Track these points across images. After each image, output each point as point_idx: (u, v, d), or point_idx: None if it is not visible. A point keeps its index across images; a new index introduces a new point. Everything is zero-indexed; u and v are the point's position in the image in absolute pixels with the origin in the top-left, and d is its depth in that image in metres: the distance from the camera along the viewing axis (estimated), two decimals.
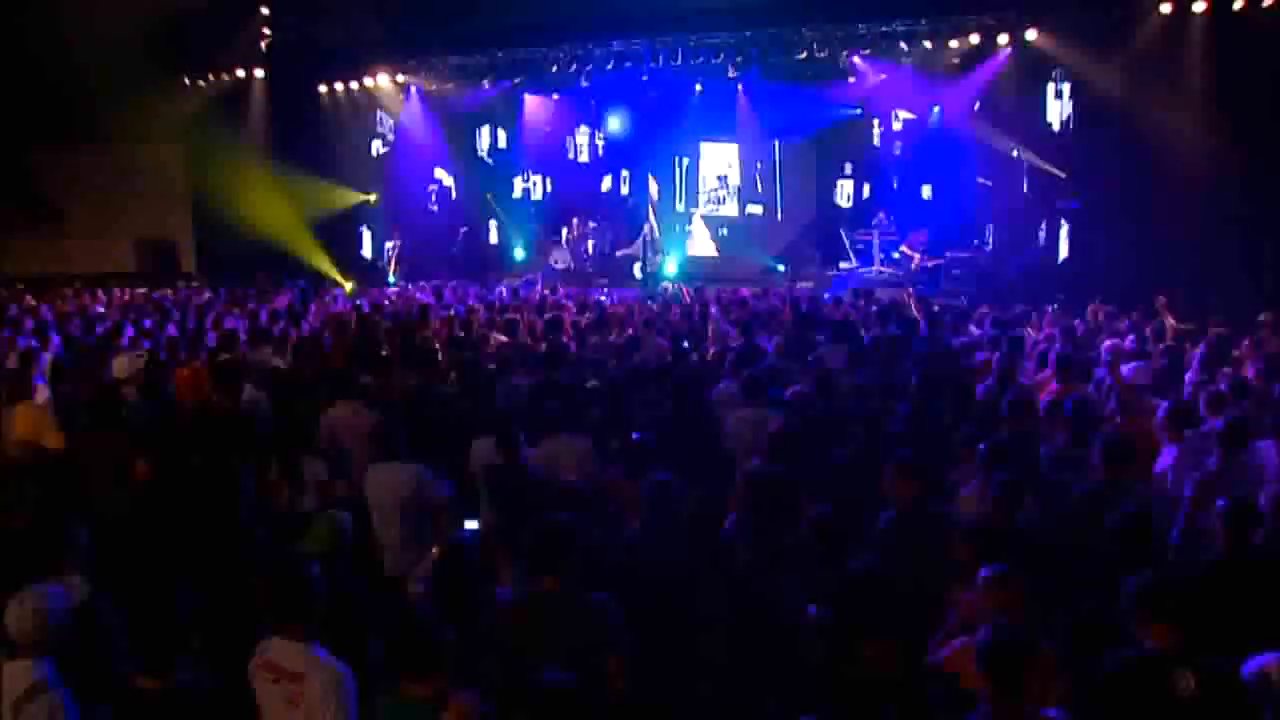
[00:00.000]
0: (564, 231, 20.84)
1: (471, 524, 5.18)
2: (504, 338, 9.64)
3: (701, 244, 20.89)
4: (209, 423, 6.17)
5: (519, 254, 20.99)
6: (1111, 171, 14.04)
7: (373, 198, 19.00)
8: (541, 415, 5.84)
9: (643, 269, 16.75)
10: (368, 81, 17.85)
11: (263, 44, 16.25)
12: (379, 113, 19.21)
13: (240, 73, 16.85)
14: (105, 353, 8.54)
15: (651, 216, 17.77)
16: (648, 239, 16.59)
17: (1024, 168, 17.05)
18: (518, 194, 21.32)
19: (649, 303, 12.49)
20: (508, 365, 7.87)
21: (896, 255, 18.13)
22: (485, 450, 5.50)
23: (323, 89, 17.82)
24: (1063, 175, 15.61)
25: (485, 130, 20.74)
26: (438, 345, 9.14)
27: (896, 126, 19.25)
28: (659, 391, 6.95)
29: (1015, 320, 10.72)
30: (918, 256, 17.48)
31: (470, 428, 5.87)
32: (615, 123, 20.50)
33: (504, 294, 13.94)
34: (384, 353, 8.44)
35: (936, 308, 11.43)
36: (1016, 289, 15.71)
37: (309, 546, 3.96)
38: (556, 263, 20.28)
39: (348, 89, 17.98)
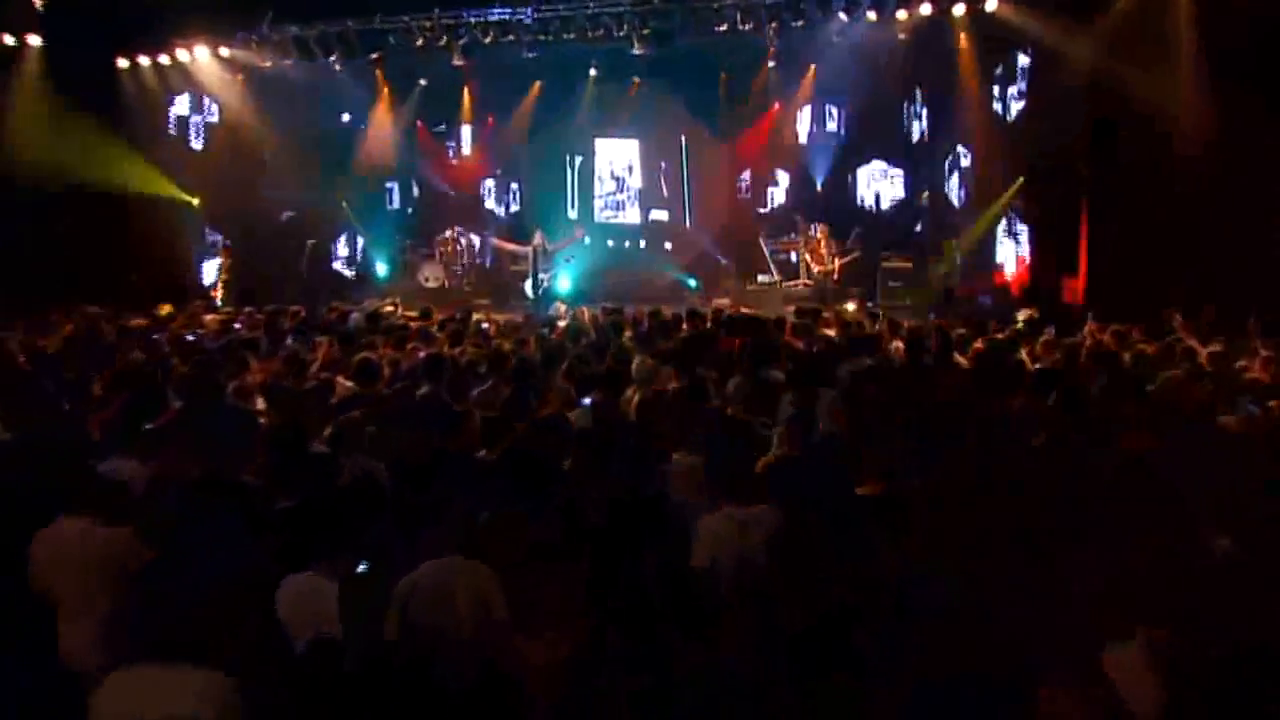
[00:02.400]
0: (437, 244, 18.53)
1: None
2: (352, 384, 7.43)
3: (596, 257, 18.93)
4: None
5: (381, 271, 18.54)
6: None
7: (195, 201, 16.22)
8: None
9: (534, 286, 14.68)
10: (182, 56, 15.00)
11: (38, 2, 13.33)
12: (201, 96, 16.38)
13: (8, 39, 13.76)
14: None
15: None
16: (539, 250, 14.54)
17: (967, 162, 15.89)
18: (380, 199, 18.90)
19: (545, 331, 10.43)
20: (357, 436, 5.67)
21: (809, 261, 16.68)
22: None
23: (122, 63, 14.83)
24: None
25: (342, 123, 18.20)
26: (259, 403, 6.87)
27: (829, 120, 17.92)
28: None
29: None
30: (837, 263, 16.05)
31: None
32: (494, 114, 18.36)
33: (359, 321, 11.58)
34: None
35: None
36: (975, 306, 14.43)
37: None
38: (428, 280, 17.96)
39: (156, 64, 15.04)
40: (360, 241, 18.79)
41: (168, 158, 15.53)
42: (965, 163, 16.29)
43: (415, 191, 19.15)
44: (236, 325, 10.39)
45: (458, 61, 15.39)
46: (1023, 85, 14.48)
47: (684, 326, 10.51)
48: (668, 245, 18.78)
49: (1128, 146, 11.81)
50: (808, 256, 16.68)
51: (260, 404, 7.03)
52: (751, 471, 4.94)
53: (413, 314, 12.37)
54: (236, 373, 8.00)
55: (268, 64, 15.40)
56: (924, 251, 16.78)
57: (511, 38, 15.19)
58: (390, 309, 12.19)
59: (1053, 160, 13.32)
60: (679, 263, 18.54)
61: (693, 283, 18.11)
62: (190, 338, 9.14)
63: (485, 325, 11.02)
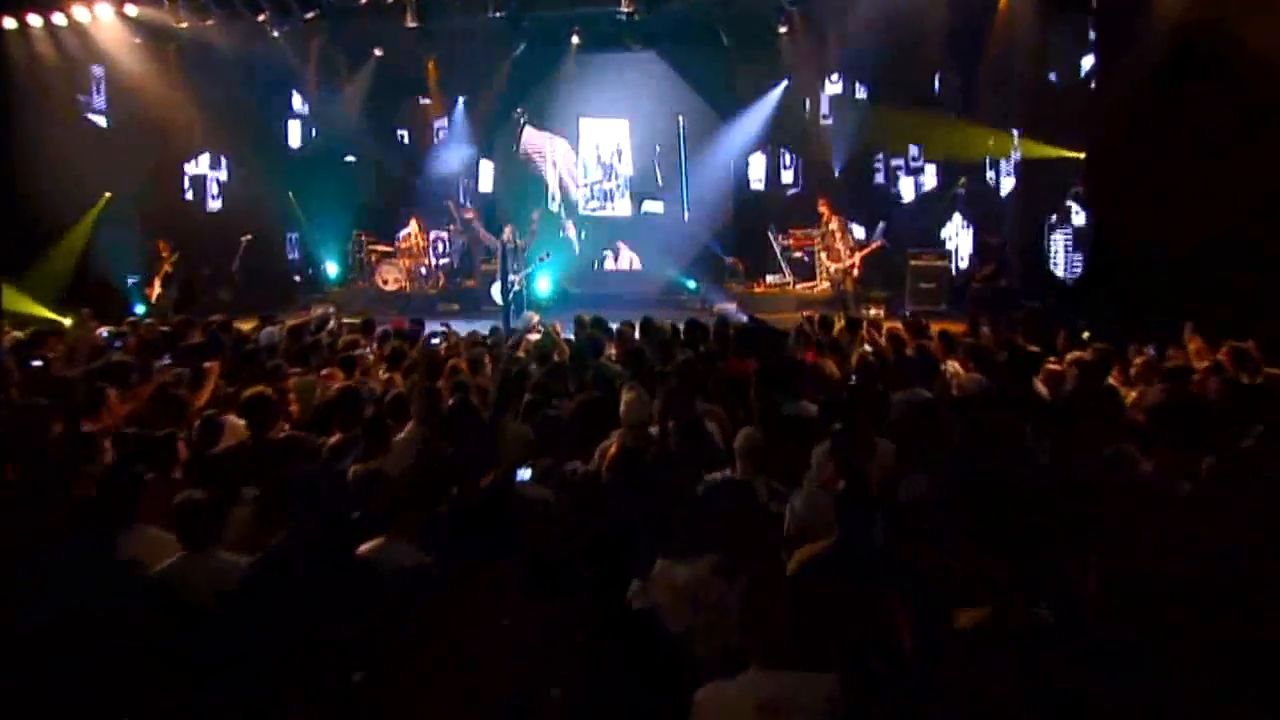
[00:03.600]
0: (399, 240, 16.82)
1: None
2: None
3: (584, 255, 17.26)
4: None
5: (332, 271, 16.82)
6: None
7: (106, 195, 14.43)
8: None
9: (504, 290, 12.97)
10: (80, 15, 13.05)
11: None
12: (106, 65, 14.41)
13: None
14: None
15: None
16: (509, 246, 12.83)
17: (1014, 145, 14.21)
18: (332, 188, 17.14)
19: (508, 351, 8.71)
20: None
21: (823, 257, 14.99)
22: None
23: (9, 23, 12.85)
24: None
25: (282, 100, 16.45)
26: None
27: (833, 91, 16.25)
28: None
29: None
30: (856, 258, 14.37)
31: None
32: (462, 89, 16.66)
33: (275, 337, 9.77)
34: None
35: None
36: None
37: None
38: (386, 283, 16.25)
39: (49, 25, 13.01)
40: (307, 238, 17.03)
41: (68, 140, 13.68)
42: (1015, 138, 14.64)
43: (373, 180, 17.41)
44: (117, 344, 8.64)
45: (411, 23, 13.64)
46: (1085, 49, 12.79)
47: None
48: (662, 241, 17.08)
49: (1225, 112, 10.07)
50: (822, 253, 14.98)
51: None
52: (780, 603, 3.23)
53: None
54: (90, 411, 6.34)
55: (184, 25, 13.57)
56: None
57: None
58: (324, 320, 10.47)
59: (1124, 135, 11.64)
60: (676, 262, 16.88)
61: (692, 285, 16.47)
62: (38, 363, 7.38)
63: (436, 341, 9.30)
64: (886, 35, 14.35)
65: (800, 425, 5.80)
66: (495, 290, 13.54)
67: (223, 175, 15.66)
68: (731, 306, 15.20)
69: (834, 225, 14.52)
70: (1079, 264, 13.56)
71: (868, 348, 9.24)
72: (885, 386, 6.98)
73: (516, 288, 12.87)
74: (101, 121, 14.64)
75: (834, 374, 7.66)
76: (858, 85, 16.02)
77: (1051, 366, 7.91)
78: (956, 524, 4.21)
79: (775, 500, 4.91)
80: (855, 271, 14.40)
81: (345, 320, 11.11)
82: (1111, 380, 7.53)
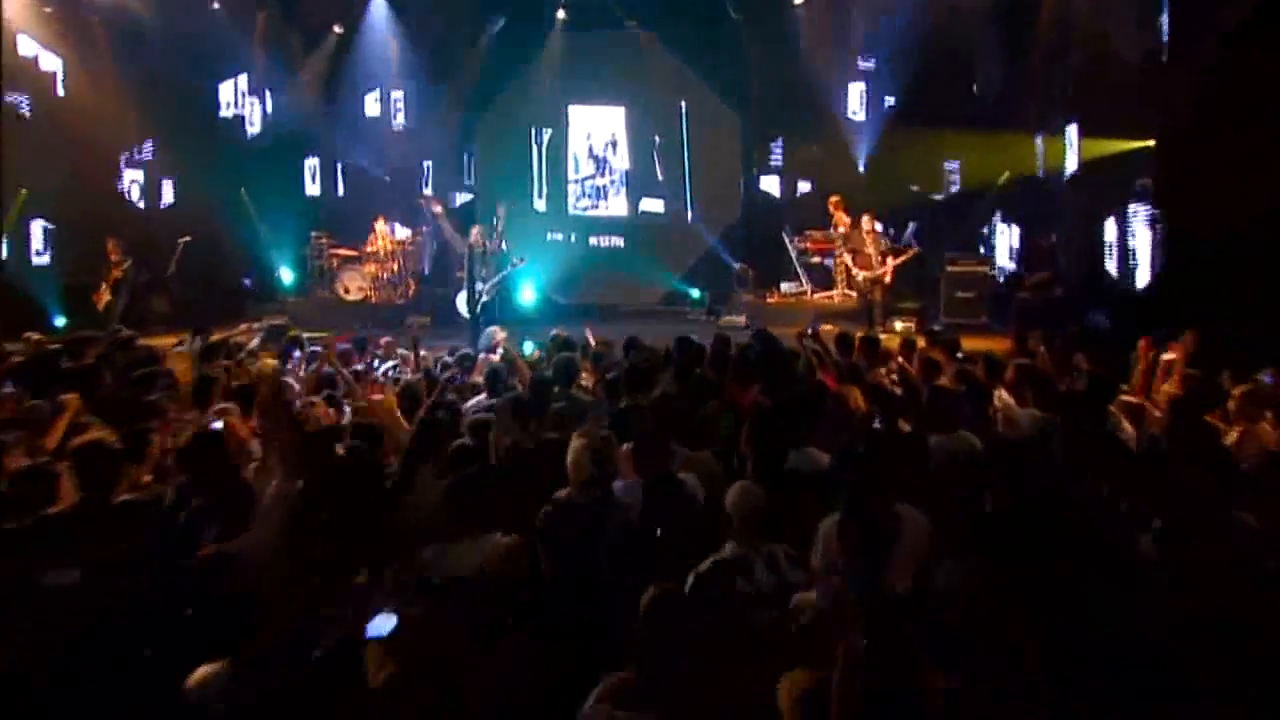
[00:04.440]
0: (367, 243, 15.41)
1: None
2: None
3: (570, 261, 15.86)
4: None
5: (287, 278, 15.46)
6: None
7: (23, 192, 13.03)
8: None
9: (469, 302, 11.61)
10: None
11: None
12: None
13: None
14: None
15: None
16: (477, 250, 11.45)
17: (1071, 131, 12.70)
18: (288, 185, 15.84)
19: (464, 377, 7.31)
20: None
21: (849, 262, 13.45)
22: None
23: None
24: None
25: (228, 85, 15.09)
26: None
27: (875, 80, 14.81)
28: None
29: None
30: (890, 264, 12.84)
31: None
32: (432, 70, 15.29)
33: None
34: None
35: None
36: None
37: None
38: (348, 291, 14.88)
39: None
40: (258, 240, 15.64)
41: None
42: (1069, 132, 13.13)
43: (336, 175, 16.09)
44: None
45: None
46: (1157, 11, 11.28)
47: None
48: (663, 245, 15.68)
49: None
50: (848, 258, 13.42)
51: None
52: None
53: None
54: None
55: None
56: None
57: None
58: (243, 338, 9.08)
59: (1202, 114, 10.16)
60: (678, 268, 15.48)
61: (695, 294, 15.07)
62: None
63: (388, 370, 7.83)
64: (918, 13, 12.95)
65: (803, 483, 4.42)
66: (461, 301, 12.15)
67: (161, 169, 14.28)
68: (740, 319, 13.82)
69: (865, 225, 12.99)
70: (1148, 268, 12.02)
71: (893, 374, 7.85)
72: (918, 427, 5.57)
73: (485, 298, 11.48)
74: (22, 109, 13.27)
75: (860, 408, 6.22)
76: (881, 65, 14.49)
77: (1128, 399, 6.47)
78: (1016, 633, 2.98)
79: (779, 577, 3.74)
80: (887, 279, 12.86)
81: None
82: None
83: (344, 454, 4.74)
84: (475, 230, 11.93)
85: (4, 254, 13.17)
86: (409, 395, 6.19)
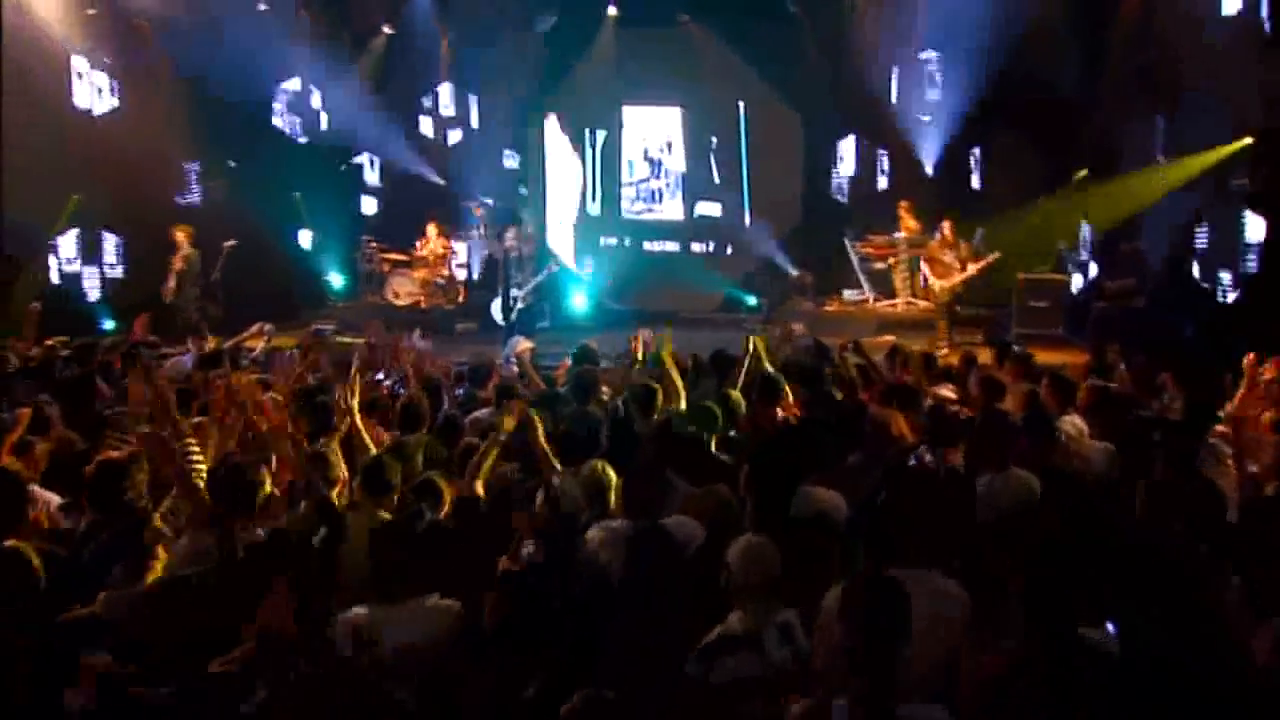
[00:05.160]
0: (418, 248, 14.91)
1: None
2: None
3: (625, 266, 15.18)
4: None
5: (337, 283, 15.08)
6: None
7: (74, 199, 12.84)
8: None
9: (504, 308, 11.00)
10: None
11: None
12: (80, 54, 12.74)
13: None
14: None
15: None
16: (512, 255, 10.84)
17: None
18: (340, 188, 15.47)
19: (474, 389, 6.65)
20: None
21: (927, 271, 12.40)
22: None
23: None
24: None
25: (281, 88, 14.69)
26: None
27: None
28: None
29: None
30: (971, 269, 11.73)
31: None
32: (488, 73, 14.76)
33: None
34: None
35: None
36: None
37: None
38: (397, 296, 14.41)
39: None
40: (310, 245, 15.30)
41: (35, 137, 12.04)
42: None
43: (388, 179, 15.65)
44: None
45: None
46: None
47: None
48: (719, 250, 14.91)
49: None
50: (925, 267, 12.34)
51: None
52: None
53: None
54: None
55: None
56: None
57: None
58: (254, 342, 8.58)
59: None
60: (734, 274, 14.69)
61: (752, 300, 14.25)
62: None
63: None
64: (988, 7, 11.94)
65: (815, 533, 3.64)
66: (495, 307, 11.53)
67: (210, 171, 14.00)
68: (798, 328, 12.94)
69: (946, 234, 11.92)
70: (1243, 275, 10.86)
71: (948, 392, 6.92)
72: (968, 463, 4.70)
73: (521, 304, 10.85)
74: (84, 113, 13.07)
75: (905, 436, 5.35)
76: (949, 61, 13.43)
77: (1224, 430, 5.43)
78: None
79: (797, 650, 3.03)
80: (959, 289, 11.80)
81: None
82: None
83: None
84: (510, 235, 11.33)
85: (56, 257, 13.01)
86: (409, 416, 5.48)
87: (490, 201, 14.27)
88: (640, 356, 7.41)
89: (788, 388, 6.07)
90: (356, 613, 3.08)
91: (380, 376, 6.61)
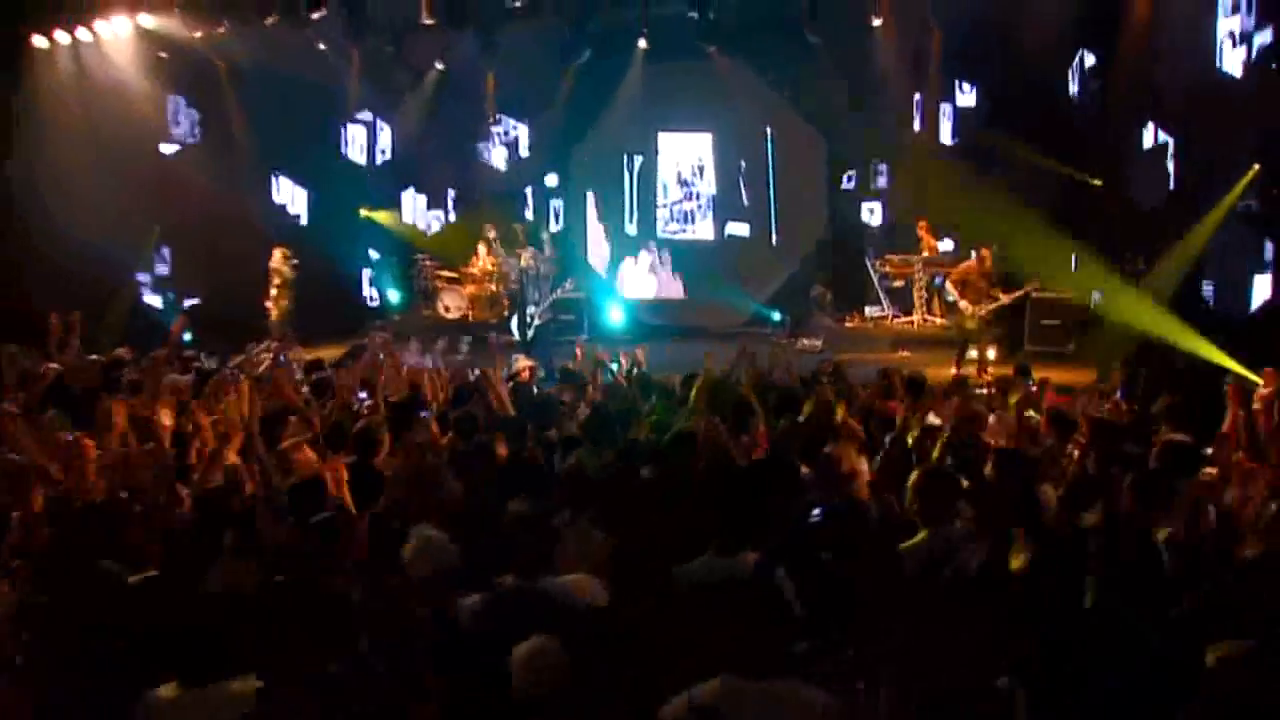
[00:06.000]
0: (470, 264, 14.61)
1: None
2: None
3: (664, 283, 14.66)
4: None
5: (394, 298, 14.89)
6: None
7: (155, 229, 12.87)
8: None
9: (521, 325, 10.55)
10: (116, 25, 11.09)
11: None
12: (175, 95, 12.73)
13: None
14: None
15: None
16: (529, 273, 10.39)
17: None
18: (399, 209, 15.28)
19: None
20: None
21: (951, 297, 11.50)
22: None
23: (39, 42, 11.09)
24: None
25: (345, 120, 14.53)
26: None
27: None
28: None
29: None
30: (1003, 298, 10.74)
31: None
32: (529, 104, 14.39)
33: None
34: None
35: None
36: None
37: None
38: (448, 310, 14.16)
39: (95, 40, 11.19)
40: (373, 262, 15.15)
41: (129, 168, 12.05)
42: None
43: (443, 202, 15.39)
44: None
45: (427, 20, 11.37)
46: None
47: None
48: (747, 267, 14.26)
49: None
50: (953, 289, 11.43)
51: None
52: None
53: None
54: None
55: (198, 35, 11.70)
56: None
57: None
58: (261, 357, 8.18)
59: None
60: (759, 290, 14.04)
61: (776, 316, 13.60)
62: None
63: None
64: (1001, 32, 11.10)
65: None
66: (513, 325, 11.07)
67: (288, 198, 13.93)
68: (817, 343, 12.29)
69: (986, 261, 10.98)
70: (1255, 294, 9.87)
71: (934, 419, 6.05)
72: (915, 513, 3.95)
73: (538, 321, 10.39)
74: (169, 149, 13.08)
75: (856, 473, 4.59)
76: (963, 84, 12.59)
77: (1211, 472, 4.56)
78: None
79: None
80: (988, 317, 10.83)
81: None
82: None
83: None
84: (527, 253, 10.87)
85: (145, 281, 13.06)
86: (364, 440, 4.97)
87: (524, 223, 13.82)
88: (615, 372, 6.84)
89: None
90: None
91: (363, 395, 6.12)
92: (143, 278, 13.24)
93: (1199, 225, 10.25)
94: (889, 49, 12.33)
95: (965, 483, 4.01)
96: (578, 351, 7.60)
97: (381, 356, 7.39)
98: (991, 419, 6.02)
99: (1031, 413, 5.82)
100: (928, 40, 12.23)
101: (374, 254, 14.98)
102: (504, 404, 5.70)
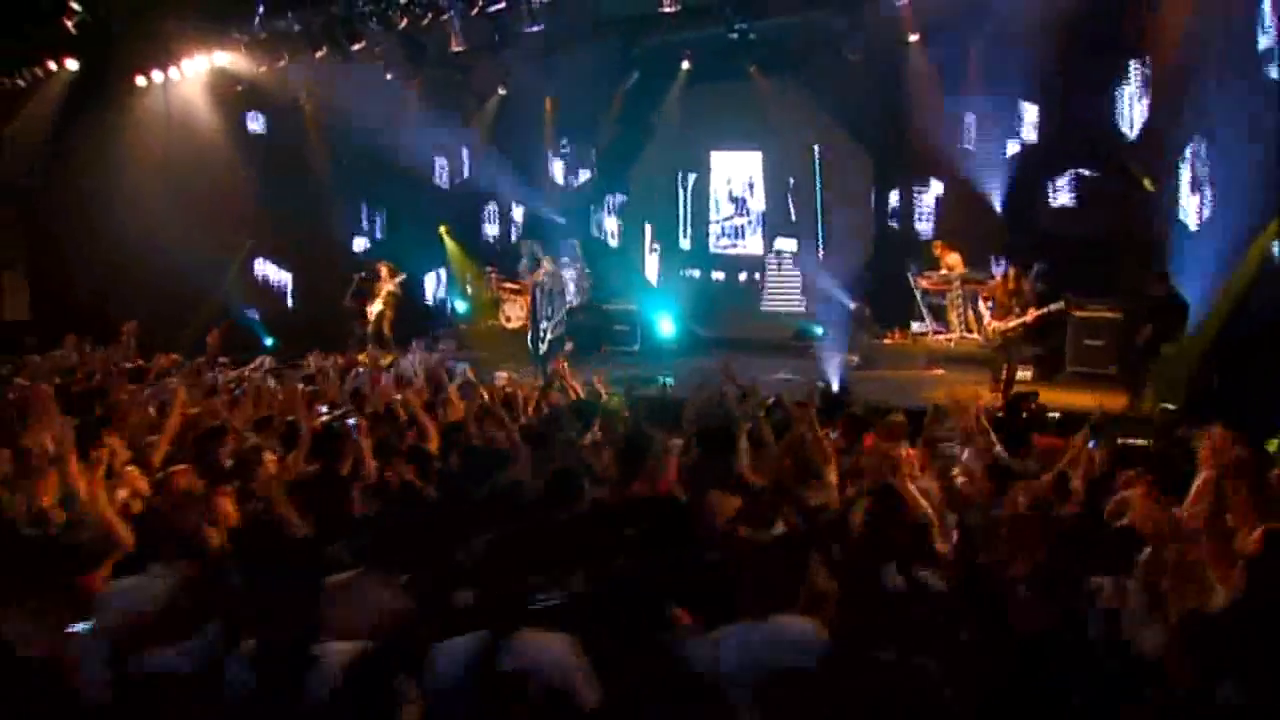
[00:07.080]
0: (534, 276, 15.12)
1: None
2: None
3: (710, 296, 14.75)
4: None
5: (461, 308, 15.58)
6: None
7: (248, 243, 14.05)
8: None
9: (534, 340, 10.82)
10: (197, 64, 12.21)
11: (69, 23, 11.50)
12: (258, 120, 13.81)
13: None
14: None
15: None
16: (544, 287, 10.65)
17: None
18: (470, 226, 15.97)
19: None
20: None
21: (986, 311, 11.10)
22: None
23: (140, 81, 12.53)
24: None
25: (418, 144, 15.29)
26: None
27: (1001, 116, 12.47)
28: None
29: None
30: (1031, 315, 10.25)
31: None
32: (583, 125, 14.80)
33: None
34: None
35: None
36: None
37: None
38: (509, 320, 14.73)
39: (167, 79, 12.34)
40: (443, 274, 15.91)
41: (209, 188, 13.24)
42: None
43: (512, 217, 16.00)
44: None
45: (457, 47, 11.83)
46: None
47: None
48: (794, 282, 14.19)
49: None
50: (984, 305, 11.12)
51: None
52: None
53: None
54: None
55: (262, 70, 12.65)
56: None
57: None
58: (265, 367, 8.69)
59: None
60: (806, 305, 13.94)
61: (819, 330, 13.43)
62: None
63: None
64: (1038, 47, 10.66)
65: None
66: (530, 341, 11.40)
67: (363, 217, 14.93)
68: (854, 358, 12.10)
69: (1012, 279, 10.64)
70: None
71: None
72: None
73: (550, 335, 10.66)
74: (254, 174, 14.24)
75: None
76: (1006, 101, 12.11)
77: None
78: None
79: None
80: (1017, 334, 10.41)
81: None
82: None
83: None
84: (544, 266, 11.14)
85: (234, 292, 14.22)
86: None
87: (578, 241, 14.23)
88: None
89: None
90: None
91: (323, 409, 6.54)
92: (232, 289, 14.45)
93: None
94: (924, 67, 12.00)
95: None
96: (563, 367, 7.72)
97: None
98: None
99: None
100: (966, 57, 11.86)
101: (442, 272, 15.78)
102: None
